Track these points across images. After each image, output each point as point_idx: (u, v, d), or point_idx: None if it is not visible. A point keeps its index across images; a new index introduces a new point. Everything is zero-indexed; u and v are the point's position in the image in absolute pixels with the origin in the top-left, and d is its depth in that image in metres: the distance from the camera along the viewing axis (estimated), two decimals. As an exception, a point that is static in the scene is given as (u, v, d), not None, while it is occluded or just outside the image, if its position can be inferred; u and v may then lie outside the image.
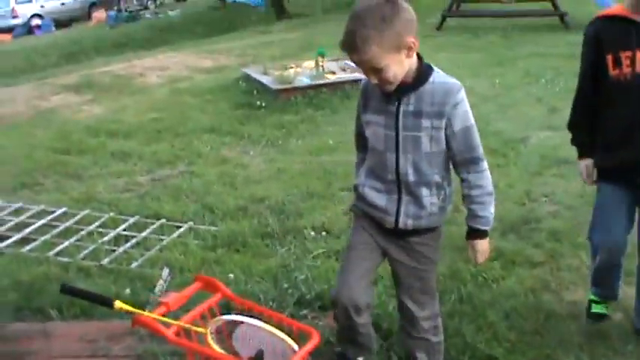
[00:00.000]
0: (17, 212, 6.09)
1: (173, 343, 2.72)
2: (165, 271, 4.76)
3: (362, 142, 3.14)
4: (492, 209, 3.08)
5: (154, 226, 5.63)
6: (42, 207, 6.14)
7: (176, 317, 2.80)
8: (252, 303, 2.98)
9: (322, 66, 10.49)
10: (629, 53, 3.28)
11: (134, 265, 4.93)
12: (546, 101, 8.91)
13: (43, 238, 5.48)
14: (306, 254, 4.88)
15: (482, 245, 3.14)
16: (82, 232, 5.57)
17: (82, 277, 4.78)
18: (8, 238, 5.53)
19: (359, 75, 10.21)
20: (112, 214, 5.91)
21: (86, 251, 5.20)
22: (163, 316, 2.78)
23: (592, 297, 3.95)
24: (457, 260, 4.65)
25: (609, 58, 3.34)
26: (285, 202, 5.95)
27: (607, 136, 3.49)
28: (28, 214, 6.02)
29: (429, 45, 13.64)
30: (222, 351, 2.72)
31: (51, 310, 4.30)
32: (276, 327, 2.71)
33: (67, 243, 5.36)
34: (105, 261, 5.02)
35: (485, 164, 3.00)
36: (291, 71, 10.36)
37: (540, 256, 4.76)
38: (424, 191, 2.96)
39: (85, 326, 4.15)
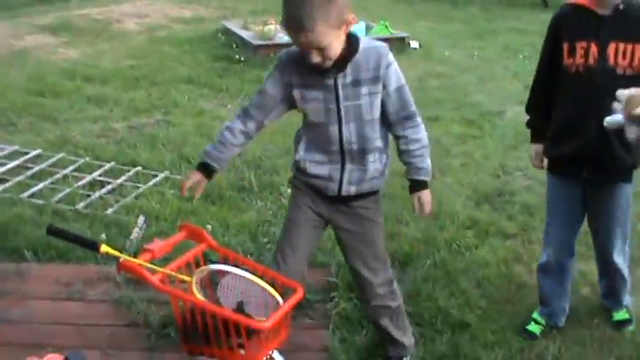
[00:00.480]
0: (-10, 151, 6.04)
1: (158, 290, 2.74)
2: (141, 219, 4.79)
3: (253, 113, 3.06)
4: (429, 160, 3.12)
5: (130, 173, 5.62)
6: (16, 147, 6.08)
7: (160, 264, 2.82)
8: (237, 254, 3.00)
9: (303, 25, 10.43)
10: (584, 44, 3.23)
11: (110, 211, 4.93)
12: (523, 77, 8.96)
13: (16, 179, 5.43)
14: (282, 210, 4.91)
15: (427, 196, 3.15)
16: (57, 176, 5.53)
17: (57, 220, 4.76)
18: (-19, 176, 5.49)
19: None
20: (87, 158, 5.89)
21: (61, 195, 5.17)
22: (148, 262, 2.80)
23: (535, 315, 3.77)
24: (431, 226, 4.73)
25: (565, 46, 3.29)
26: (262, 157, 5.97)
27: (555, 125, 3.48)
28: (2, 154, 5.96)
29: (408, 12, 13.66)
30: (205, 300, 2.75)
31: (26, 252, 4.29)
32: (261, 280, 2.74)
33: (41, 185, 5.33)
34: (80, 205, 5.00)
35: (419, 118, 3.05)
36: (272, 27, 10.28)
37: (513, 228, 4.84)
38: (369, 157, 3.00)
39: (61, 269, 4.15)
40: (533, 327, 3.72)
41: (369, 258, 3.21)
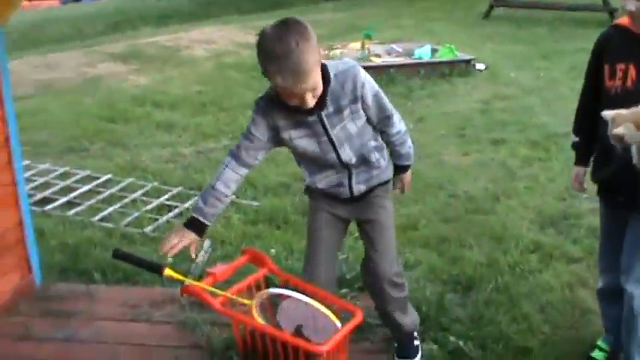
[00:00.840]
0: (63, 176, 6.24)
1: (220, 313, 2.80)
2: (207, 243, 4.83)
3: (244, 157, 3.06)
4: (410, 143, 3.33)
5: (197, 197, 5.71)
6: (87, 172, 6.28)
7: (223, 287, 2.88)
8: (298, 279, 3.05)
9: (368, 48, 10.52)
10: (623, 66, 3.14)
11: (176, 234, 5.03)
12: (591, 98, 8.85)
13: (88, 203, 5.61)
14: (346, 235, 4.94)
15: (408, 177, 3.47)
16: (126, 200, 5.69)
17: (125, 243, 4.90)
18: (55, 200, 5.68)
19: (404, 60, 10.25)
20: (155, 183, 6.04)
21: (129, 218, 5.32)
22: (211, 286, 2.87)
23: (599, 342, 3.67)
24: (495, 250, 4.70)
25: (607, 68, 3.21)
26: (327, 182, 6.01)
27: (598, 150, 3.39)
28: (74, 178, 6.16)
29: (474, 34, 13.60)
30: (265, 323, 2.80)
31: (95, 274, 4.43)
32: (320, 304, 2.78)
33: (111, 209, 5.49)
34: (148, 229, 5.13)
35: (396, 115, 3.20)
36: (337, 52, 10.39)
37: (578, 252, 4.76)
38: (371, 157, 3.15)
39: (128, 291, 4.26)
40: (597, 354, 3.63)
41: (384, 246, 3.31)
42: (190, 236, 3.12)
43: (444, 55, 10.43)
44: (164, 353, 3.64)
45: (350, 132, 3.05)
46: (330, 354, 2.67)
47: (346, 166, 3.12)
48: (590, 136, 3.42)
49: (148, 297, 4.17)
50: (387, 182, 3.31)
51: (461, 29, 14.16)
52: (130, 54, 11.66)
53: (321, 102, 2.92)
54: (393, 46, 10.92)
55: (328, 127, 2.99)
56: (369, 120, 3.11)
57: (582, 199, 5.62)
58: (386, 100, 3.13)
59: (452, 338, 3.68)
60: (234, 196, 5.63)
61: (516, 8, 15.82)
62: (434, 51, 10.64)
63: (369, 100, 3.04)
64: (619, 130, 2.64)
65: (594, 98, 3.32)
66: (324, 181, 3.18)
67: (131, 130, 7.75)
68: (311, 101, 2.86)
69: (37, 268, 4.32)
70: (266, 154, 3.14)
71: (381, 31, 12.54)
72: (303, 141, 3.04)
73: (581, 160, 3.56)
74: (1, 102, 3.97)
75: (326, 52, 10.33)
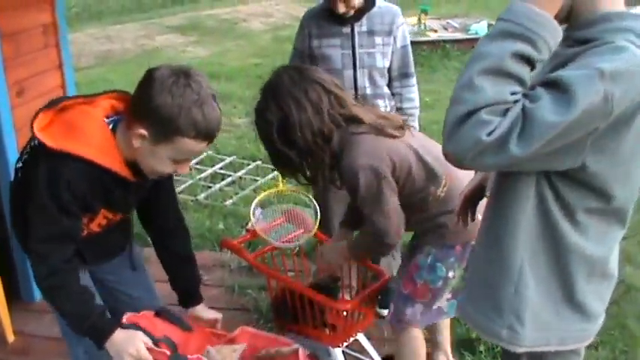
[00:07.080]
0: (120, 144, 6.38)
1: (253, 267, 2.93)
2: (258, 210, 4.97)
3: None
4: (417, 121, 3.47)
5: (250, 167, 5.83)
6: (144, 141, 6.42)
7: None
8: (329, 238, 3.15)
9: (424, 23, 10.48)
10: None
11: (228, 202, 5.15)
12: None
13: (143, 171, 5.74)
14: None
15: None
16: (181, 168, 5.80)
17: (178, 209, 5.02)
18: (111, 167, 5.82)
19: (460, 35, 10.20)
20: (209, 152, 6.14)
21: (183, 186, 5.44)
22: (249, 241, 3.01)
23: None
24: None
25: None
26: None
27: None
28: (130, 147, 6.30)
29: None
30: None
31: (149, 239, 4.54)
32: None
33: (165, 177, 5.61)
34: (201, 196, 5.25)
35: (415, 80, 3.43)
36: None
37: (627, 229, 4.71)
38: (380, 102, 3.32)
39: (180, 255, 4.38)
40: None
41: None
42: None
43: (501, 30, 10.35)
44: (212, 314, 3.76)
45: (374, 61, 3.26)
46: (351, 312, 2.79)
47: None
48: None
49: (198, 261, 4.25)
50: None
51: (520, 4, 13.96)
52: (188, 26, 11.80)
53: (357, 17, 3.21)
54: (450, 21, 10.86)
55: (357, 43, 3.24)
56: (390, 70, 3.31)
57: None
58: (412, 60, 3.37)
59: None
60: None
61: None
62: (490, 26, 10.53)
63: (399, 44, 3.30)
64: None
65: None
66: None
67: (187, 100, 7.88)
68: (342, 9, 3.15)
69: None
70: None
71: (437, 6, 12.48)
72: (330, 50, 3.29)
73: None
74: (62, 71, 4.10)
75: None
